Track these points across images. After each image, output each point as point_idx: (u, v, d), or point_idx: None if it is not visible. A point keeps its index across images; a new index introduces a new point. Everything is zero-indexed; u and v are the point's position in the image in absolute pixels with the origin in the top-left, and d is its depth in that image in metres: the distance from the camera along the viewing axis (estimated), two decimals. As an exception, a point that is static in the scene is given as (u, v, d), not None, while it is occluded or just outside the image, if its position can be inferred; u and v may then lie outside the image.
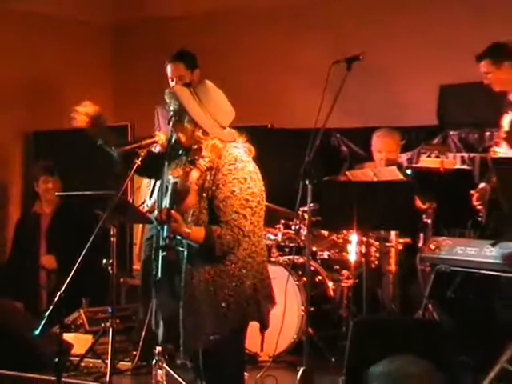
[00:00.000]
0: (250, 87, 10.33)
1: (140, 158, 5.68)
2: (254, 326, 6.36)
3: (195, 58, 8.34)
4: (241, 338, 5.84)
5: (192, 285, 5.60)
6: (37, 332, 5.62)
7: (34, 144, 11.57)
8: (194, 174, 5.54)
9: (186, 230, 5.45)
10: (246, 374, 7.17)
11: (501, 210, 7.26)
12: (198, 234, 5.48)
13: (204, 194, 5.52)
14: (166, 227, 5.48)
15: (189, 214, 5.54)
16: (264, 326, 5.86)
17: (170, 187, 5.65)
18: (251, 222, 5.53)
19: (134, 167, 5.69)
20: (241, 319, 5.68)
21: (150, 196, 7.79)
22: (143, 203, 8.03)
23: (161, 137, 5.93)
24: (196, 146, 5.57)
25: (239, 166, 5.54)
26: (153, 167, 5.93)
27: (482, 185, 7.86)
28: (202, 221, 5.52)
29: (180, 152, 5.72)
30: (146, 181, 8.08)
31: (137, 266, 9.21)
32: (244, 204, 5.49)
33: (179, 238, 5.53)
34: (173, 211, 5.44)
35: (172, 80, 8.19)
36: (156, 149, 6.00)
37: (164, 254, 5.56)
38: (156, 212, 5.64)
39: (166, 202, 5.66)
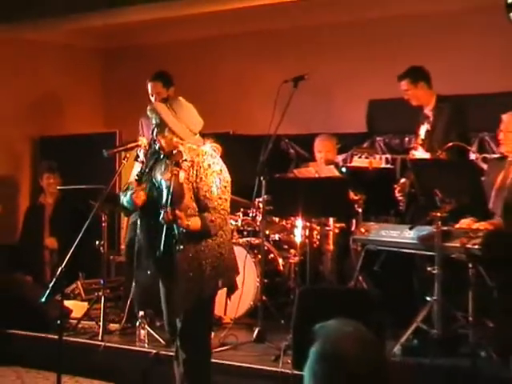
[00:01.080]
0: (217, 101, 10.33)
1: (126, 159, 5.70)
2: (219, 295, 6.40)
3: (171, 78, 8.33)
4: (212, 304, 5.90)
5: (181, 260, 5.64)
6: (43, 299, 5.63)
7: (39, 147, 11.54)
8: (182, 175, 5.58)
9: (187, 223, 5.51)
10: (211, 333, 7.25)
11: (417, 200, 7.34)
12: (196, 224, 5.54)
13: (190, 186, 5.57)
14: (175, 225, 5.53)
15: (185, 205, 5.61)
16: (233, 292, 5.96)
17: (164, 189, 5.65)
18: (228, 207, 5.68)
19: (121, 166, 5.72)
20: (215, 286, 5.75)
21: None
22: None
23: (143, 141, 5.96)
24: (176, 151, 5.62)
25: (215, 161, 5.65)
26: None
27: (402, 180, 7.92)
28: (189, 208, 5.58)
29: (162, 157, 5.74)
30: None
31: (124, 246, 9.21)
32: (224, 190, 5.63)
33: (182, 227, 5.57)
34: (177, 211, 5.47)
35: (152, 95, 8.19)
36: (140, 152, 5.99)
37: (181, 246, 5.61)
38: (162, 212, 5.58)
39: (167, 202, 5.55)
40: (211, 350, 6.05)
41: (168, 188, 5.59)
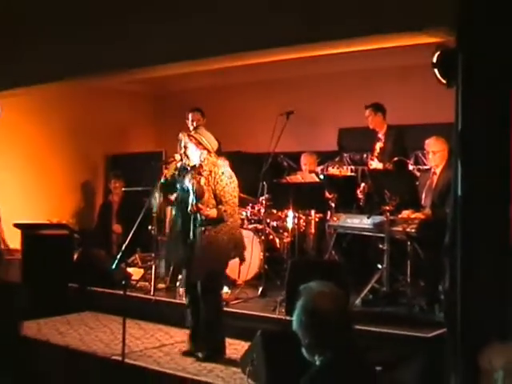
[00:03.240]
0: (232, 129, 10.30)
1: (166, 171, 5.80)
2: (234, 263, 6.44)
3: (203, 111, 8.42)
4: (225, 268, 6.07)
5: (204, 239, 5.68)
6: (113, 267, 5.66)
7: (110, 161, 11.58)
8: (202, 180, 5.67)
9: (207, 212, 5.66)
10: (229, 290, 7.27)
11: (372, 198, 7.33)
12: (214, 213, 5.67)
13: (209, 188, 5.64)
14: (198, 214, 5.69)
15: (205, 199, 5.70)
16: (242, 261, 6.06)
17: (190, 190, 5.74)
18: (237, 202, 5.74)
19: (163, 175, 5.81)
20: (229, 257, 5.84)
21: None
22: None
23: (177, 157, 5.99)
24: (198, 164, 5.72)
25: (226, 169, 5.80)
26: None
27: (362, 184, 7.93)
28: (210, 202, 5.69)
29: (189, 169, 5.81)
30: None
31: (168, 230, 9.21)
32: (233, 190, 5.73)
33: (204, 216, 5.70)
34: (199, 205, 5.64)
35: (192, 122, 8.28)
36: (178, 165, 6.01)
37: (202, 229, 5.70)
38: (189, 206, 5.72)
39: (192, 198, 5.73)
40: (222, 299, 6.17)
41: (193, 189, 5.72)
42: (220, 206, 5.68)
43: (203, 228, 5.72)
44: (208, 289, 5.81)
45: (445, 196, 6.35)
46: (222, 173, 5.73)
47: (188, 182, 5.81)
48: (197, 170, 5.76)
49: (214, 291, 5.87)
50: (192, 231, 5.77)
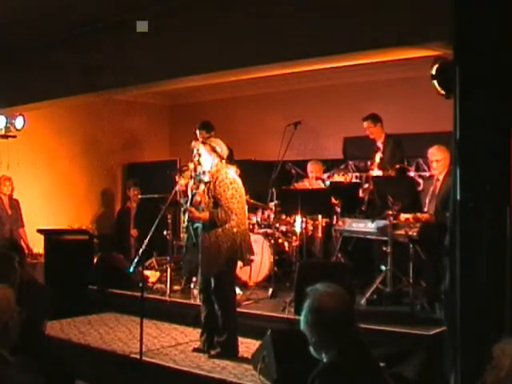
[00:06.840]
0: (243, 138, 10.33)
1: (181, 178, 5.83)
2: (243, 267, 6.43)
3: (211, 125, 8.36)
4: (232, 271, 5.96)
5: (205, 242, 5.69)
6: (130, 270, 5.69)
7: (127, 170, 11.63)
8: (201, 187, 5.72)
9: (198, 215, 5.70)
10: (240, 292, 7.27)
11: (375, 204, 7.34)
12: (206, 216, 5.67)
13: (210, 194, 5.67)
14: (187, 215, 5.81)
15: (203, 204, 5.72)
16: (244, 264, 6.03)
17: (189, 195, 5.88)
18: (237, 207, 5.70)
19: (178, 183, 5.85)
20: (231, 260, 5.79)
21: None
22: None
23: (190, 166, 6.03)
24: (201, 172, 5.76)
25: (228, 176, 5.78)
26: None
27: (364, 187, 7.94)
28: (210, 206, 5.70)
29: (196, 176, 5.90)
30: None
31: (182, 235, 9.23)
32: (231, 196, 5.70)
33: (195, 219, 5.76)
34: (190, 208, 5.76)
35: (199, 138, 8.24)
36: (192, 173, 6.06)
37: (205, 233, 5.74)
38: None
39: (188, 202, 5.89)
40: (234, 300, 6.14)
41: (192, 194, 5.83)
42: (213, 210, 5.69)
43: (205, 232, 5.75)
44: (218, 289, 5.82)
45: (447, 201, 6.35)
46: (222, 179, 5.74)
47: (190, 188, 5.91)
48: (199, 176, 5.85)
49: (224, 291, 5.87)
50: (195, 236, 5.83)
